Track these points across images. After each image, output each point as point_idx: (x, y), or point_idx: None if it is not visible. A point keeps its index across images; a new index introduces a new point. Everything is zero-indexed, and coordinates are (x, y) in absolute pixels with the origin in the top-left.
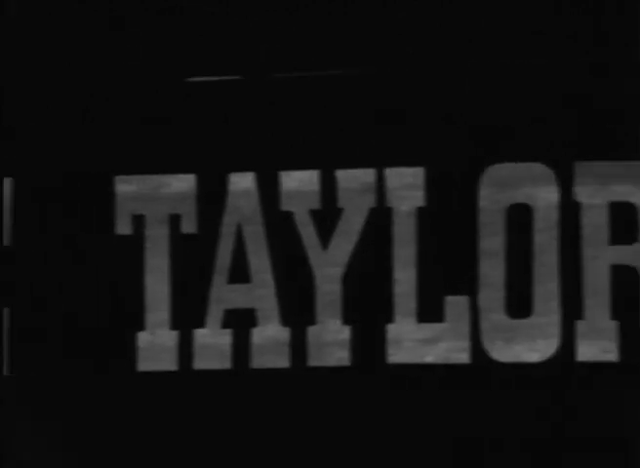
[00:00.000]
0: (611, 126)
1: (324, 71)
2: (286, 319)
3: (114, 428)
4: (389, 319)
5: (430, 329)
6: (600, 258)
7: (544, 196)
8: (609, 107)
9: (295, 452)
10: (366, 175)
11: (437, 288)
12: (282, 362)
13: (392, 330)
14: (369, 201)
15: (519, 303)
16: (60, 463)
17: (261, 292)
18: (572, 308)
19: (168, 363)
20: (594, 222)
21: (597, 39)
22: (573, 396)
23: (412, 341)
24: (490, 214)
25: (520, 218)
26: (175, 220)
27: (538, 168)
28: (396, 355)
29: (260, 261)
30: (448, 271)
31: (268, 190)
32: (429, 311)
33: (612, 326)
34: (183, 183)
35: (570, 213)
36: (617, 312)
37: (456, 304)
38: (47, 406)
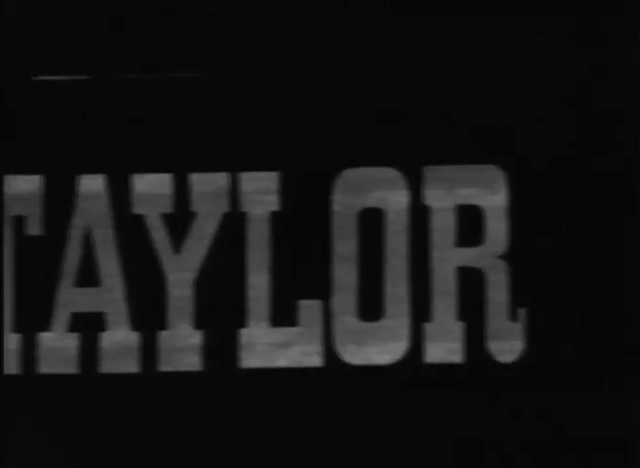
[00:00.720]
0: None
1: (177, 73)
2: (135, 323)
3: None
4: (242, 323)
5: (283, 333)
6: (447, 261)
7: (395, 200)
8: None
9: (144, 458)
10: (220, 179)
11: (291, 292)
12: (131, 367)
13: (245, 334)
14: (223, 205)
15: (371, 307)
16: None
17: (111, 297)
18: (421, 311)
19: (10, 366)
20: (442, 225)
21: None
22: (422, 397)
23: (265, 345)
24: (343, 219)
25: (372, 222)
26: (19, 222)
27: (389, 172)
28: (249, 359)
29: (109, 265)
30: (301, 275)
31: (119, 193)
32: (283, 315)
33: (458, 327)
34: (28, 184)
35: (419, 216)
36: (463, 313)
37: (309, 308)
38: None
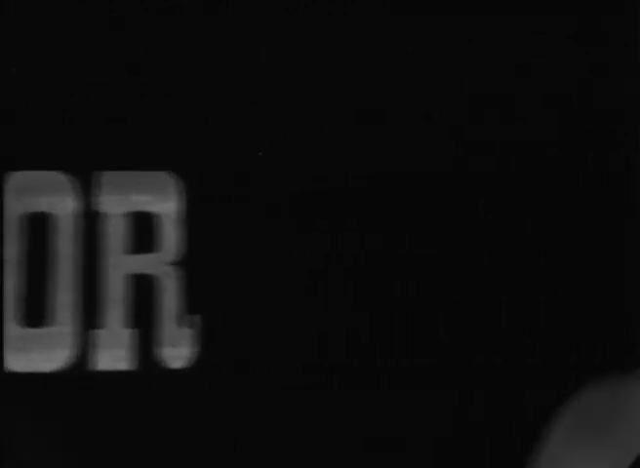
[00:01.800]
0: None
1: None
2: None
3: None
4: None
5: None
6: (119, 267)
7: (65, 205)
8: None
9: None
10: None
11: None
12: None
13: None
14: None
15: (37, 313)
16: None
17: None
18: (89, 317)
19: None
20: (114, 232)
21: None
22: (89, 405)
23: None
24: (10, 223)
25: (40, 227)
26: None
27: (58, 176)
28: None
29: None
30: None
31: None
32: None
33: (128, 334)
34: None
35: (90, 222)
36: (134, 320)
37: None
38: None
